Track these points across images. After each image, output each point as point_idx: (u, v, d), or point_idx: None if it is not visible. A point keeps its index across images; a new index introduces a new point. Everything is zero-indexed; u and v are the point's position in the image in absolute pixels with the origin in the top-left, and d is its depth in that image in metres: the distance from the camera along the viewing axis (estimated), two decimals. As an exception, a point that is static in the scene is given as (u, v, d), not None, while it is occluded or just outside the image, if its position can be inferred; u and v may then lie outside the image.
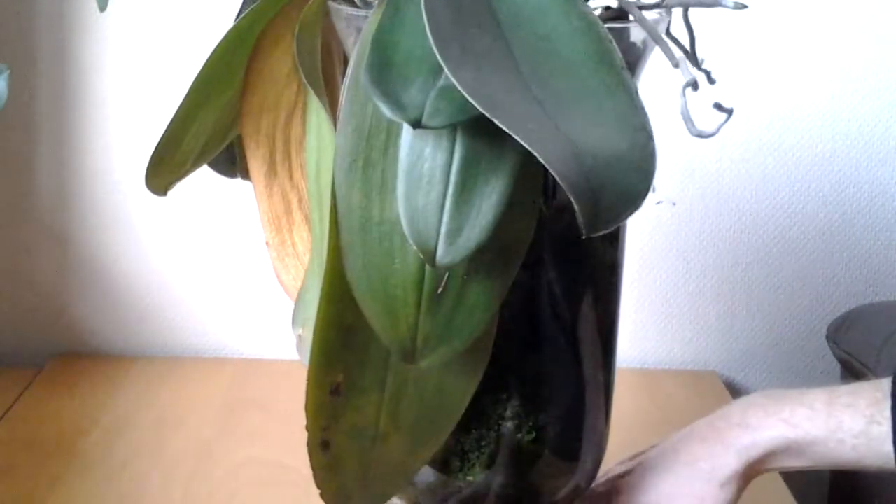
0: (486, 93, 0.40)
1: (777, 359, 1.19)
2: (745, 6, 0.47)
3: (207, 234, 1.13)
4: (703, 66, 0.53)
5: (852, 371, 1.03)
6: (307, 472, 0.54)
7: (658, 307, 1.16)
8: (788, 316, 1.18)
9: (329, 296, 0.51)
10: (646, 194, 0.40)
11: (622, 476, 0.69)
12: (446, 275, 0.48)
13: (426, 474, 0.59)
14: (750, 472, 0.66)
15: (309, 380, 0.53)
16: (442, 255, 0.44)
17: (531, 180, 0.47)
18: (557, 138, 0.40)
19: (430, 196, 0.44)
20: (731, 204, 1.14)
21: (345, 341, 0.53)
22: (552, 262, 0.57)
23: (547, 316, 0.58)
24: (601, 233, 0.39)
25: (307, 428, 0.54)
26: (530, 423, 0.57)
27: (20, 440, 0.95)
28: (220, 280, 1.14)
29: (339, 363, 0.53)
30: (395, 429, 0.54)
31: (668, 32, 0.53)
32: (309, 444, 0.54)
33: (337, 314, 0.51)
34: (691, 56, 0.53)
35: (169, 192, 0.60)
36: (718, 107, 0.48)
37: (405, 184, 0.45)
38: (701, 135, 0.41)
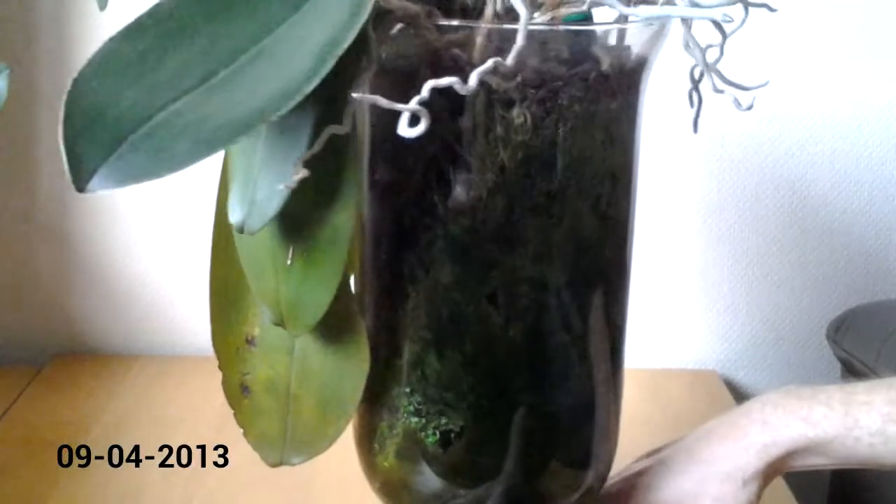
0: (125, 59, 0.46)
1: (777, 358, 1.19)
2: (731, 20, 0.48)
3: (208, 234, 1.13)
4: (733, 85, 0.53)
5: (852, 370, 1.03)
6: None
7: (658, 307, 1.16)
8: (789, 315, 1.18)
9: (218, 255, 0.60)
10: (187, 164, 0.40)
11: (639, 474, 0.68)
12: (291, 248, 0.52)
13: (429, 479, 0.59)
14: (771, 472, 0.66)
15: (214, 329, 0.60)
16: (249, 223, 0.49)
17: (340, 169, 0.50)
18: (126, 105, 0.42)
19: (250, 162, 0.49)
20: (731, 203, 1.14)
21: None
22: (560, 263, 0.56)
23: (555, 320, 0.57)
24: (110, 189, 0.40)
25: (220, 368, 0.59)
26: (433, 425, 0.57)
27: (20, 440, 0.95)
28: (220, 280, 1.14)
29: (254, 318, 0.58)
30: (305, 392, 0.57)
31: (690, 44, 0.53)
32: (225, 385, 0.59)
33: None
34: (715, 71, 0.53)
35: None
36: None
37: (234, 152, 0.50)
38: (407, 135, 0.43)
